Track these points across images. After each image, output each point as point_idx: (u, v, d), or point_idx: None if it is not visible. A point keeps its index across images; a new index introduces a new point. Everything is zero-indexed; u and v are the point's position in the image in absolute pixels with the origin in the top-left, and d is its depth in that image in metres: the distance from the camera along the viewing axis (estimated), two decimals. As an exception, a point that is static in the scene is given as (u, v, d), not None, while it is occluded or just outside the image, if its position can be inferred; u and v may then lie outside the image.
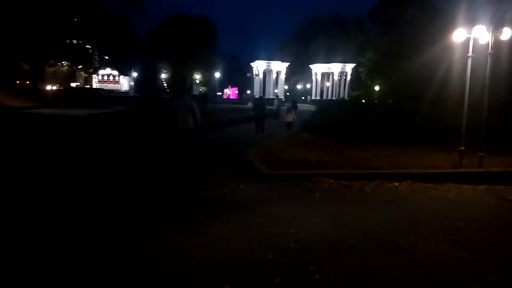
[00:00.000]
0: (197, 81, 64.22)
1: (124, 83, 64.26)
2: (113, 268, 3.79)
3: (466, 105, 9.11)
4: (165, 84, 62.58)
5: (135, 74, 65.69)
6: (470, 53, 9.03)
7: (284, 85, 55.96)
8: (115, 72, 62.69)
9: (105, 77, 62.03)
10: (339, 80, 52.69)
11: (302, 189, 7.28)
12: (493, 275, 3.82)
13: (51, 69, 48.22)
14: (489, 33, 8.79)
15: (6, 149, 10.45)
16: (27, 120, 20.23)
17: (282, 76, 51.56)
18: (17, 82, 44.80)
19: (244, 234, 4.82)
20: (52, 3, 38.44)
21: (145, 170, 8.68)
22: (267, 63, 49.48)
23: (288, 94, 64.68)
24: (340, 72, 52.40)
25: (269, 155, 9.88)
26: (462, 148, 9.00)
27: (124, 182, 7.47)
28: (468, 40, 9.00)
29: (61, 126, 16.93)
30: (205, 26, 59.95)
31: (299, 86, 71.27)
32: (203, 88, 63.31)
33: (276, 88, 50.58)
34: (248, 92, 64.34)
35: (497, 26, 8.85)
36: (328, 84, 54.32)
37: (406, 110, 16.65)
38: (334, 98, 49.59)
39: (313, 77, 55.76)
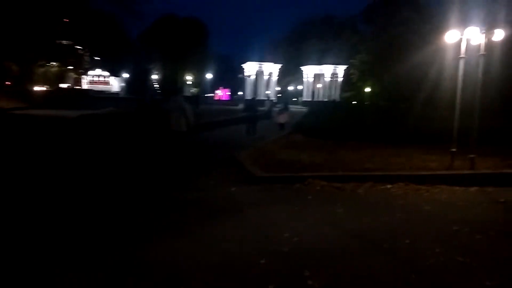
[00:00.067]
0: (189, 82, 63.88)
1: (115, 84, 63.81)
2: (104, 271, 3.67)
3: (458, 106, 9.12)
4: (156, 85, 62.18)
5: (126, 75, 65.22)
6: (462, 55, 9.03)
7: (276, 86, 55.85)
8: (106, 73, 62.23)
9: (96, 78, 61.47)
10: (331, 82, 52.76)
11: (294, 191, 7.23)
12: (489, 278, 3.78)
13: (41, 70, 47.64)
14: (482, 34, 8.80)
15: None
16: (15, 121, 19.82)
17: (274, 78, 51.40)
18: (7, 83, 44.16)
19: (236, 238, 4.73)
20: (42, 3, 38.00)
21: (135, 171, 8.55)
22: (259, 64, 49.12)
23: (280, 95, 64.58)
24: (331, 73, 52.47)
25: (261, 156, 9.83)
26: (454, 150, 9.02)
27: (114, 184, 7.32)
28: (460, 41, 9.01)
29: (50, 127, 16.64)
30: (197, 27, 59.62)
31: (291, 88, 71.23)
32: (194, 89, 62.91)
33: (268, 90, 50.43)
34: (240, 93, 64.15)
35: (489, 27, 8.86)
36: (319, 85, 54.39)
37: (399, 112, 16.75)
38: (325, 100, 49.68)
39: (305, 79, 55.78)
